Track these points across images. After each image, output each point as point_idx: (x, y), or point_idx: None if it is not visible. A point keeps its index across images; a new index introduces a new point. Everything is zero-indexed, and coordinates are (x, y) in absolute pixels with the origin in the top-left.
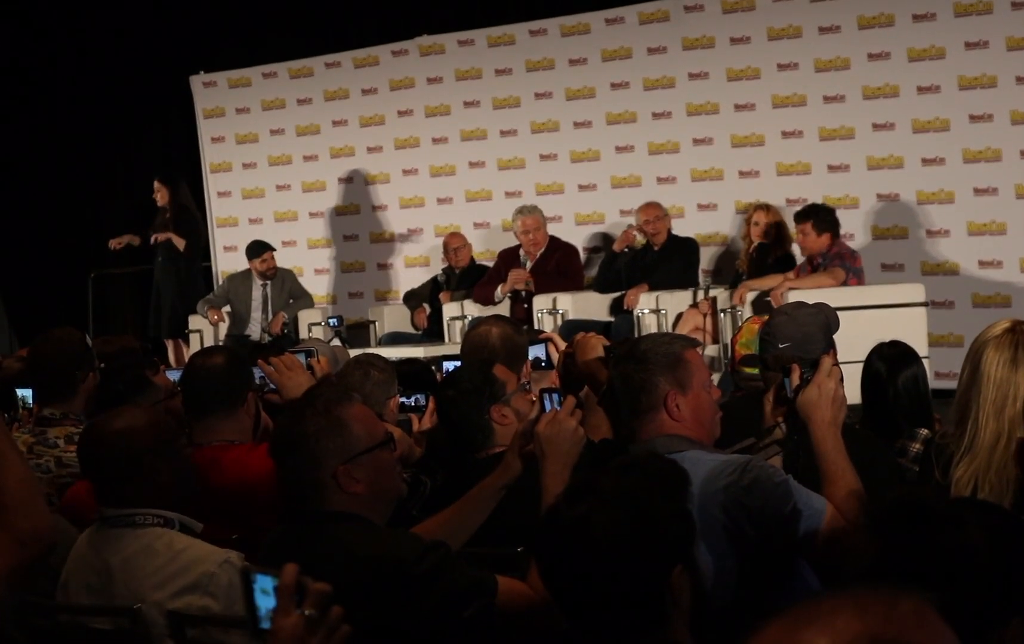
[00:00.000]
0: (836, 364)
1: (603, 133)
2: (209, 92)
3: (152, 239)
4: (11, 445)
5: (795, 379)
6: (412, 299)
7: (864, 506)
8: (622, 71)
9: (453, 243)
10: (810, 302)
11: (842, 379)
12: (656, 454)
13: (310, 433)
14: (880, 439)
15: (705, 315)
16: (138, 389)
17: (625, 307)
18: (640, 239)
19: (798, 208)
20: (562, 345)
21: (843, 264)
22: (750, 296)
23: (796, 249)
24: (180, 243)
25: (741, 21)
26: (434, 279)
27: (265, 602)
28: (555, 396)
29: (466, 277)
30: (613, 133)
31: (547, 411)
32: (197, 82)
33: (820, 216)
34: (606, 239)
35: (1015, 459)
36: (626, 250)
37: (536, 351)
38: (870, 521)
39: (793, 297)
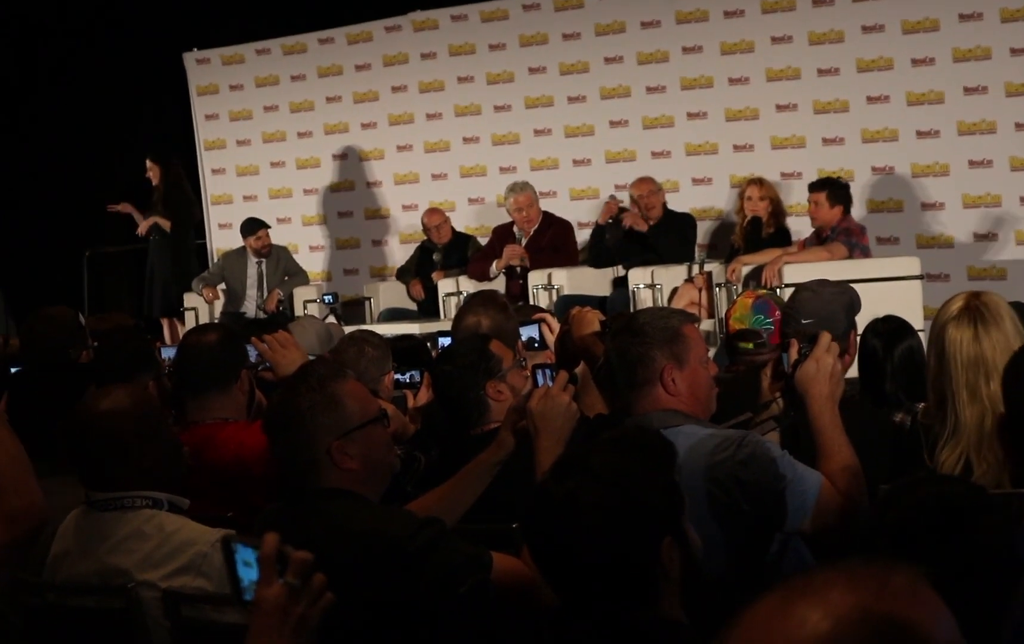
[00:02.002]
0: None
1: (597, 108)
2: (202, 69)
3: (137, 231)
4: (2, 423)
5: (793, 354)
6: (404, 274)
7: (861, 485)
8: (616, 45)
9: (432, 221)
10: (833, 279)
11: (847, 354)
12: (642, 427)
13: (304, 409)
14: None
15: (700, 290)
16: (143, 365)
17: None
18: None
19: (793, 182)
20: (556, 325)
21: (848, 240)
22: (745, 271)
23: (791, 223)
24: (166, 224)
25: None
26: (419, 251)
27: (248, 574)
28: (548, 371)
29: (452, 250)
30: (607, 108)
31: (539, 387)
32: (190, 59)
33: (834, 188)
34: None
35: (997, 436)
36: (609, 221)
37: (529, 331)
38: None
39: (788, 272)
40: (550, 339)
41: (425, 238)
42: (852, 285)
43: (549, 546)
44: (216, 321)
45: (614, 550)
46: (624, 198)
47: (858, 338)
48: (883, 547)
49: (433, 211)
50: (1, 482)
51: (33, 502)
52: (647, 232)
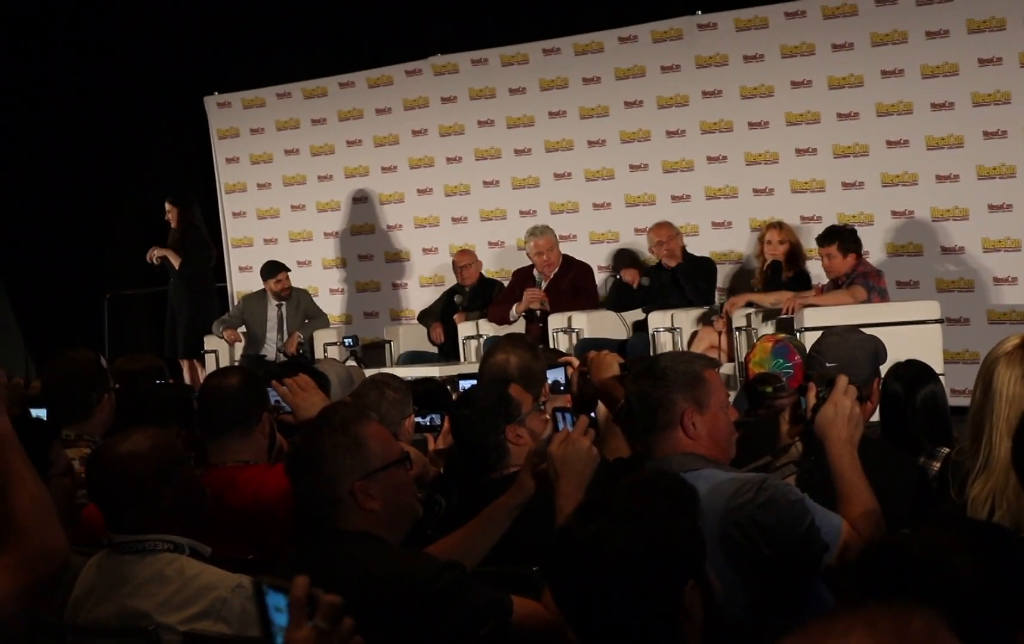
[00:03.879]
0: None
1: (617, 151)
2: (223, 112)
3: (147, 257)
4: (25, 464)
5: (811, 398)
6: (426, 317)
7: (881, 528)
8: (636, 89)
9: (461, 261)
10: (855, 324)
11: (866, 400)
12: (664, 471)
13: (327, 450)
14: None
15: (720, 333)
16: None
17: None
18: (652, 258)
19: (813, 226)
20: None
21: (866, 283)
22: (752, 311)
23: (811, 266)
24: (175, 260)
25: (754, 39)
26: (446, 296)
27: (279, 619)
28: (568, 416)
29: (477, 295)
30: (627, 151)
31: (560, 430)
32: (211, 102)
33: (844, 237)
34: (620, 257)
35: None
36: (639, 284)
37: (555, 374)
38: (851, 570)
39: (809, 315)
40: (575, 386)
41: (455, 283)
42: (875, 331)
43: (572, 589)
44: (236, 363)
45: (637, 594)
46: (642, 242)
47: (881, 386)
48: (903, 590)
49: (464, 252)
50: (24, 523)
51: (56, 544)
52: (674, 270)
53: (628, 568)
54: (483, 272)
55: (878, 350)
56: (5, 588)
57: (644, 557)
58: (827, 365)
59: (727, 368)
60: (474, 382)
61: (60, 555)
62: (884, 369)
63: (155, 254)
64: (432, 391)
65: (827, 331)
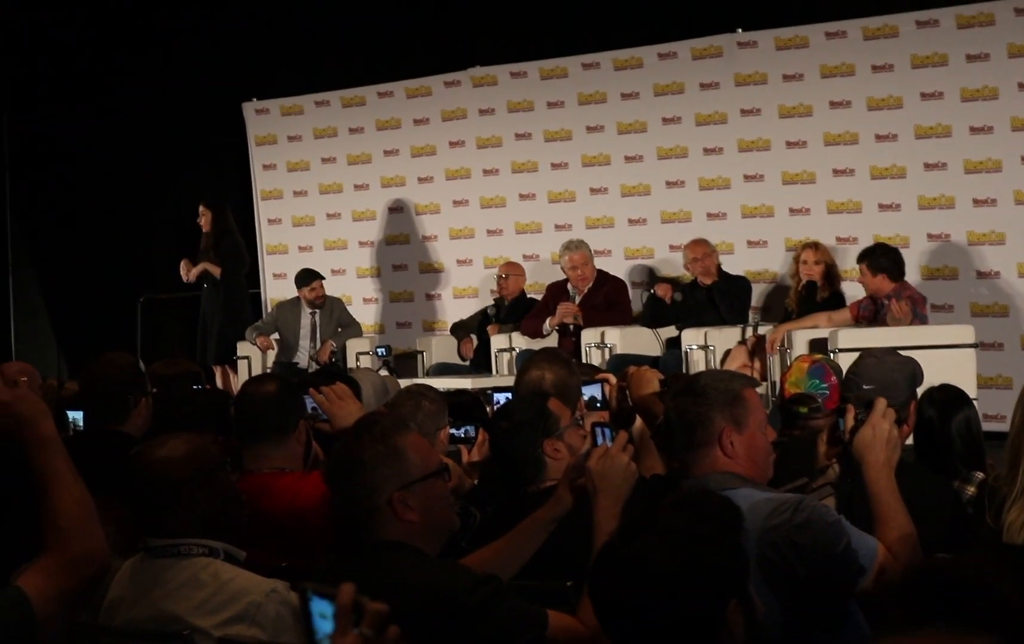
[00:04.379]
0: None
1: (654, 168)
2: (261, 119)
3: (185, 277)
4: (68, 467)
5: (849, 420)
6: (459, 330)
7: (917, 552)
8: (674, 106)
9: (504, 272)
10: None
11: (904, 423)
12: (709, 490)
13: (367, 459)
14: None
15: (753, 352)
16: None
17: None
18: (687, 275)
19: (849, 247)
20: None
21: (912, 308)
22: (796, 336)
23: (846, 287)
24: (215, 270)
25: (794, 58)
26: (484, 311)
27: (323, 626)
28: (607, 431)
29: (515, 309)
30: (664, 168)
31: (599, 446)
32: (249, 109)
33: (872, 259)
34: (654, 274)
35: None
36: (672, 299)
37: (592, 390)
38: (896, 594)
39: (844, 335)
40: (613, 401)
41: (496, 296)
42: (909, 354)
43: (615, 606)
44: (268, 371)
45: (680, 611)
46: (677, 259)
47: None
48: (952, 615)
49: (510, 263)
50: (66, 526)
51: (96, 548)
52: (709, 287)
53: (671, 586)
54: (524, 288)
55: (915, 373)
56: (46, 589)
57: (687, 575)
58: (864, 387)
59: (760, 388)
60: (508, 395)
61: (101, 558)
62: (920, 392)
63: (193, 273)
64: (467, 403)
65: (865, 353)
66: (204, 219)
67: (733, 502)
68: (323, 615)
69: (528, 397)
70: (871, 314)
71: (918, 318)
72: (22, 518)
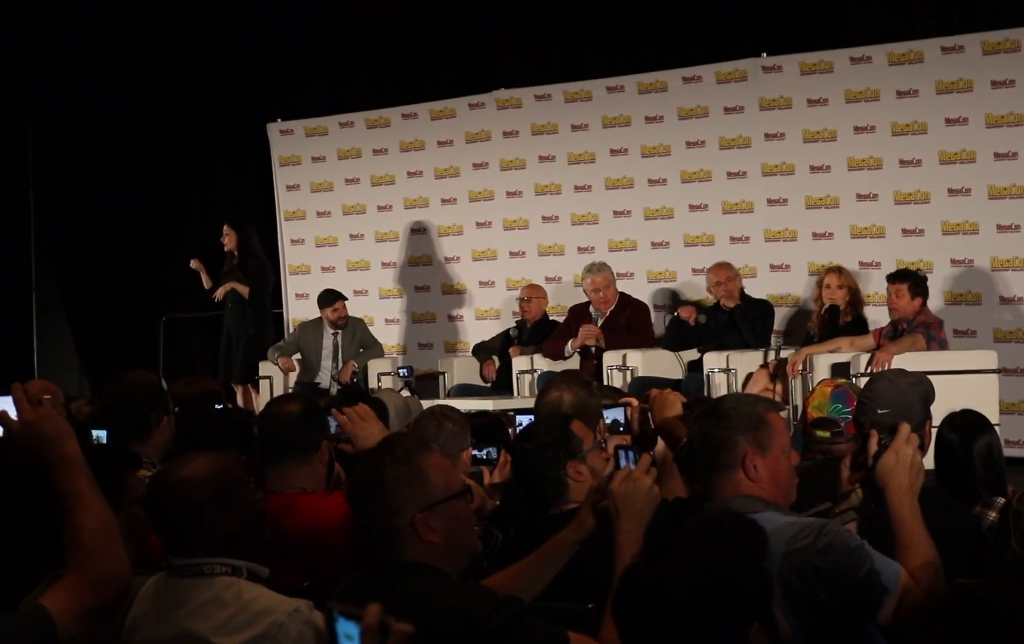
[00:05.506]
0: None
1: (677, 191)
2: (285, 140)
3: (213, 298)
4: (91, 487)
5: (873, 445)
6: (481, 352)
7: (940, 578)
8: (698, 130)
9: (526, 294)
10: (909, 370)
11: (923, 447)
12: (734, 513)
13: (389, 480)
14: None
15: (775, 376)
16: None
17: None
18: (710, 299)
19: (872, 272)
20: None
21: (927, 333)
22: (819, 360)
23: (869, 312)
24: (244, 290)
25: (819, 83)
26: (506, 333)
27: None
28: (631, 454)
29: (537, 331)
30: (687, 191)
31: (622, 468)
32: (274, 129)
33: (915, 281)
34: (677, 297)
35: None
36: (701, 321)
37: (615, 414)
38: (924, 619)
39: (867, 358)
40: (635, 424)
41: (519, 318)
42: (931, 379)
43: (639, 628)
44: (290, 391)
45: (704, 634)
46: (700, 282)
47: (933, 429)
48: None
49: (532, 286)
50: (89, 546)
51: (120, 567)
52: (732, 311)
53: (695, 609)
54: (546, 310)
55: (928, 392)
56: (69, 608)
57: (711, 598)
58: (879, 411)
59: (783, 412)
60: (530, 417)
61: (123, 578)
62: (937, 417)
63: (219, 292)
64: (489, 425)
65: (877, 376)
66: (228, 239)
67: (758, 525)
68: (349, 636)
69: (551, 419)
70: (892, 339)
71: (935, 342)
72: (45, 537)
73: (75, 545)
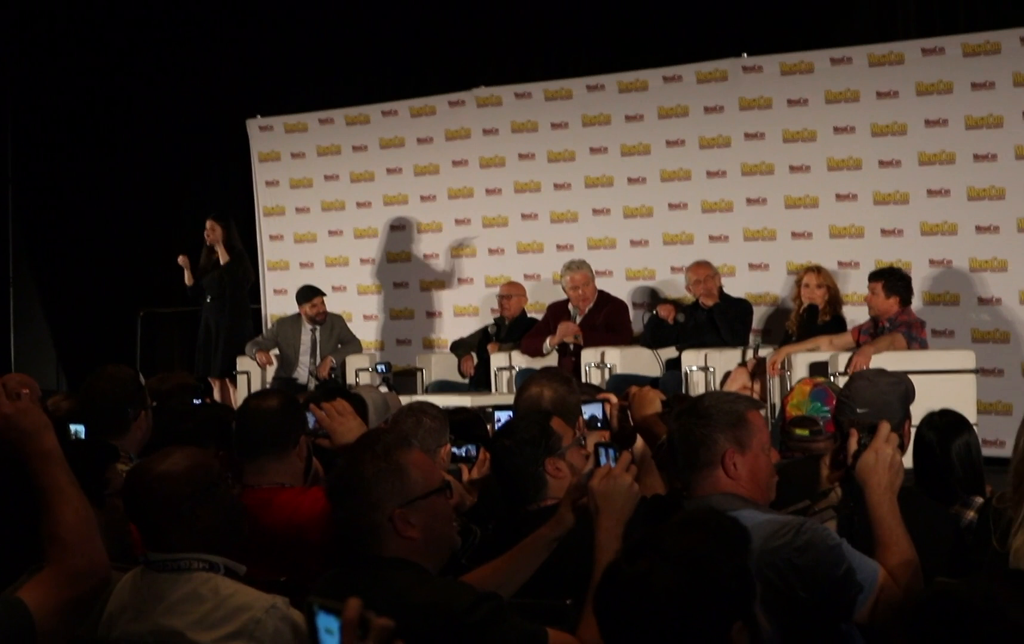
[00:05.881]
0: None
1: (657, 189)
2: (265, 136)
3: (188, 280)
4: (70, 481)
5: (852, 444)
6: (460, 348)
7: (918, 577)
8: (678, 129)
9: (505, 292)
10: (889, 370)
11: (902, 446)
12: (716, 510)
13: (368, 475)
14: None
15: (753, 374)
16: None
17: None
18: (688, 297)
19: (851, 271)
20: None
21: (908, 333)
22: (797, 359)
23: (847, 312)
24: (225, 257)
25: (799, 83)
26: (484, 330)
27: (328, 641)
28: (611, 451)
29: (516, 328)
30: (667, 190)
31: (602, 465)
32: (253, 125)
33: (893, 279)
34: (656, 295)
35: None
36: (674, 320)
37: (593, 409)
38: (905, 618)
39: (846, 357)
40: (614, 421)
41: (497, 315)
42: (907, 375)
43: (620, 625)
44: (268, 386)
45: (685, 632)
46: (679, 281)
47: (912, 429)
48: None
49: (511, 284)
50: (67, 539)
51: (97, 561)
52: (710, 309)
53: (675, 607)
54: (525, 308)
55: (908, 392)
56: (47, 602)
57: (692, 596)
58: (857, 410)
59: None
60: (509, 413)
61: (101, 572)
62: (916, 416)
63: (188, 279)
64: (468, 421)
65: (856, 375)
66: (213, 233)
67: (740, 523)
68: (329, 630)
69: (531, 415)
70: (872, 338)
71: (916, 342)
72: (22, 530)
73: (53, 539)
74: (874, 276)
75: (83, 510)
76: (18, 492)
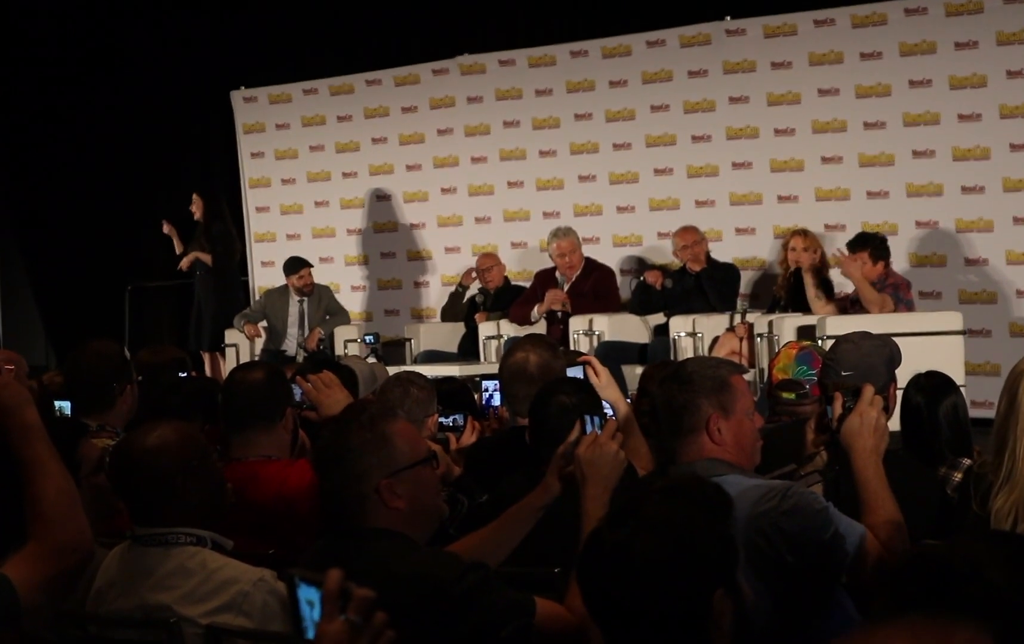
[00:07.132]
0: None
1: (642, 155)
2: (250, 107)
3: (179, 268)
4: (52, 455)
5: (837, 407)
6: (449, 312)
7: (904, 539)
8: (662, 93)
9: (483, 264)
10: (875, 332)
11: (887, 409)
12: (699, 477)
13: (354, 446)
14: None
15: (741, 339)
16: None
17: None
18: (676, 263)
19: (837, 234)
20: (600, 367)
21: (895, 294)
22: (784, 323)
23: (834, 274)
24: (207, 258)
25: (783, 45)
26: (472, 299)
27: (310, 613)
28: (596, 419)
29: (501, 297)
30: (652, 155)
31: (588, 434)
32: (238, 97)
33: (875, 245)
34: (643, 261)
35: None
36: (666, 285)
37: (574, 373)
38: (884, 579)
39: (832, 322)
40: (595, 381)
41: (480, 286)
42: (897, 341)
43: (603, 592)
44: (256, 358)
45: (666, 599)
46: (666, 246)
47: (898, 392)
48: (941, 602)
49: (487, 255)
50: (50, 514)
51: (81, 536)
52: (698, 275)
53: (657, 574)
54: (506, 275)
55: (893, 355)
56: (30, 578)
57: (674, 563)
58: (842, 373)
59: (748, 375)
60: (496, 382)
61: (85, 547)
62: (903, 378)
63: (185, 262)
64: (455, 391)
65: (841, 338)
66: (196, 208)
67: (723, 490)
68: (310, 602)
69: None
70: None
71: (903, 304)
72: (6, 507)
73: (36, 514)
74: (857, 245)
75: (65, 484)
76: (2, 469)
